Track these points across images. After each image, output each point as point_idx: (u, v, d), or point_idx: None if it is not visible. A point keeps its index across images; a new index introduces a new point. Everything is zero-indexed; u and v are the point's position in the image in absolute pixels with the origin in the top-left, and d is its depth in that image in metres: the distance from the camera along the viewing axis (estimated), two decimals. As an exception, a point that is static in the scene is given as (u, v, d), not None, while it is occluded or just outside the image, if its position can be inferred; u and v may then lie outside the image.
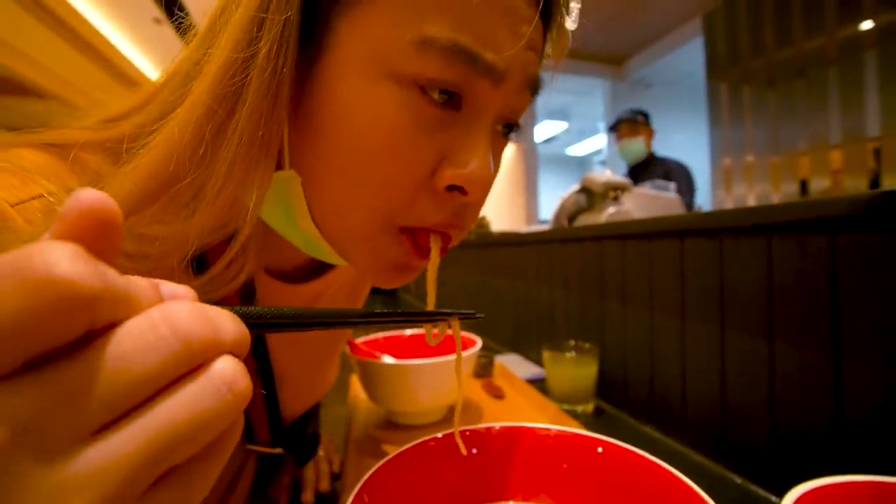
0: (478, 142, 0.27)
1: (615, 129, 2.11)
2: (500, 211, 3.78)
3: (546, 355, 0.69)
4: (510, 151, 4.02)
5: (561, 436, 0.37)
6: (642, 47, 3.73)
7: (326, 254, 0.32)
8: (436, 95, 0.25)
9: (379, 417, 0.62)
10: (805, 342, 0.43)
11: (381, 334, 0.70)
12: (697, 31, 3.00)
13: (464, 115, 0.27)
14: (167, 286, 0.14)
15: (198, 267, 0.29)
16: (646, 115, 2.06)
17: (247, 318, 0.15)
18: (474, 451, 0.37)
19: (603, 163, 6.02)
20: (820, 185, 2.20)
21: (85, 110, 0.28)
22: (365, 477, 0.30)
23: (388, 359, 0.60)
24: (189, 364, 0.12)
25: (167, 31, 3.15)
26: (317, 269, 0.42)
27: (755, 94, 2.53)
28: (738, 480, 0.49)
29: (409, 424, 0.59)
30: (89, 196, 0.12)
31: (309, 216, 0.30)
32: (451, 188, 0.27)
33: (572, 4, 0.29)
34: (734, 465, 0.51)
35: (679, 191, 1.60)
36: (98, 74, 3.07)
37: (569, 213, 1.19)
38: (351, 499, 0.28)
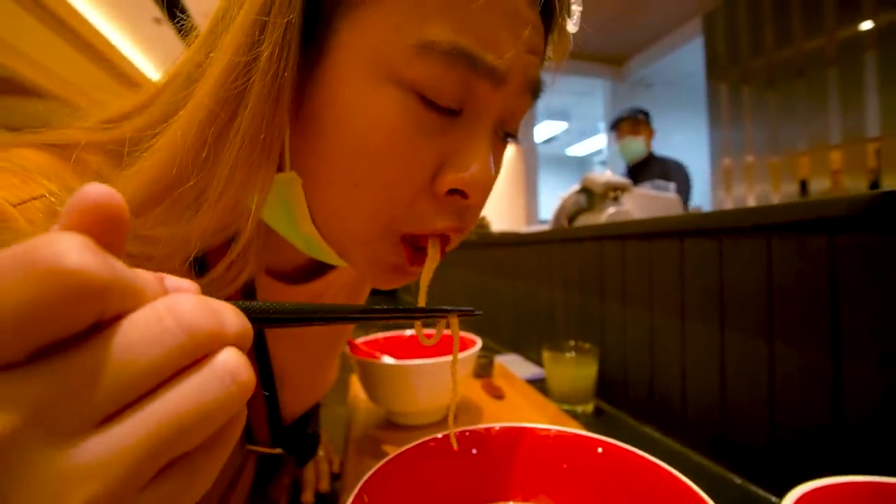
0: (478, 145, 0.27)
1: (616, 127, 2.11)
2: (500, 211, 3.78)
3: (546, 355, 0.69)
4: (510, 151, 4.02)
5: (561, 436, 0.37)
6: (642, 48, 3.73)
7: (327, 255, 0.32)
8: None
9: (379, 418, 0.62)
10: (805, 342, 0.43)
11: (380, 334, 0.70)
12: (697, 32, 3.01)
13: (464, 118, 0.27)
14: (171, 280, 0.14)
15: (199, 268, 0.29)
16: (647, 114, 2.07)
17: (249, 313, 0.15)
18: (474, 451, 0.37)
19: (603, 163, 6.02)
20: (820, 185, 2.20)
21: (85, 110, 0.28)
22: (365, 477, 0.30)
23: (387, 359, 0.60)
24: (193, 355, 0.12)
25: (167, 31, 3.15)
26: (317, 269, 0.43)
27: (755, 95, 2.54)
28: (738, 480, 0.49)
29: (408, 424, 0.59)
30: (97, 190, 0.12)
31: (310, 218, 0.30)
32: (452, 192, 0.28)
33: (573, 7, 0.29)
34: (734, 465, 0.51)
35: (678, 190, 1.60)
36: (98, 74, 3.07)
37: (569, 214, 1.19)
38: (351, 499, 0.28)
